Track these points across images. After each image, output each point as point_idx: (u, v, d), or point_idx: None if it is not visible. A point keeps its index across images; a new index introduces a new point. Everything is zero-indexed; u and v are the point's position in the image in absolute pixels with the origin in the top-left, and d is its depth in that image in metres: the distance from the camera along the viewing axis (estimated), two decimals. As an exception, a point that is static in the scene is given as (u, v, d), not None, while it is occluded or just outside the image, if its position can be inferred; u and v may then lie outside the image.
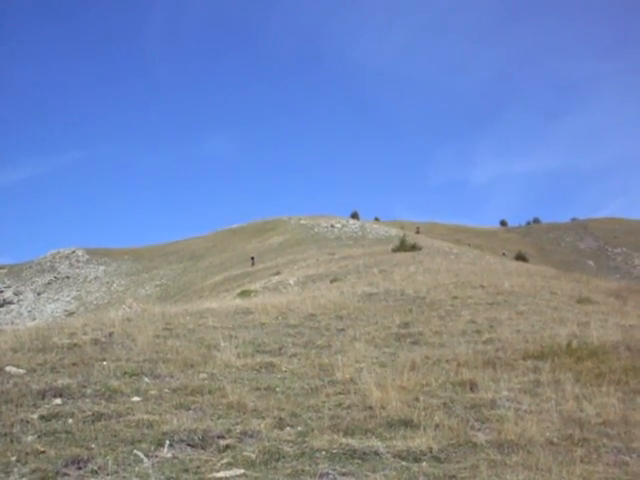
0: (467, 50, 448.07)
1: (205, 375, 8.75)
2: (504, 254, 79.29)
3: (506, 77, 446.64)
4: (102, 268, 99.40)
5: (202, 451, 5.79)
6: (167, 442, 5.87)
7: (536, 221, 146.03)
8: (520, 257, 73.72)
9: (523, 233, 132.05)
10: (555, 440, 6.46)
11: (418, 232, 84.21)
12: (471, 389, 8.37)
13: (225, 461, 5.52)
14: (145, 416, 6.61)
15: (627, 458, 6.07)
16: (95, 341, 10.99)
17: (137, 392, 7.67)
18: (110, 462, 5.30)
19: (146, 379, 8.38)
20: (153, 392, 7.70)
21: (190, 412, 6.96)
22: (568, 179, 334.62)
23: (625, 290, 25.65)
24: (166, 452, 5.67)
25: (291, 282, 34.41)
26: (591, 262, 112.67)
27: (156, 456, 5.56)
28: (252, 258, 63.83)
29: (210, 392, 7.76)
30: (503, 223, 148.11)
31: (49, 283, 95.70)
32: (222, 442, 5.98)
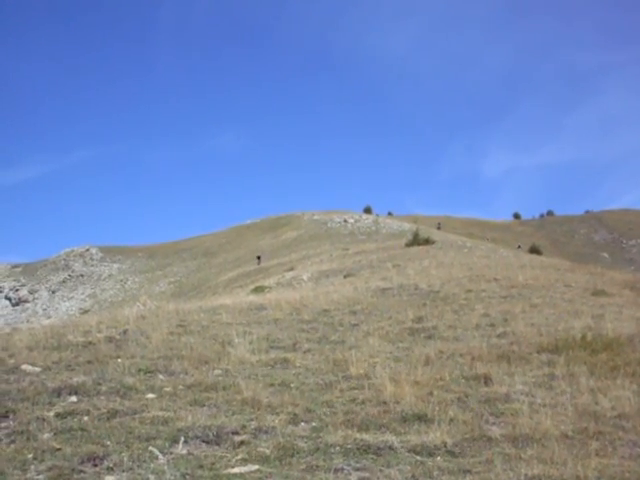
0: (478, 43, 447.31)
1: (219, 371, 8.77)
2: (519, 247, 79.09)
3: (517, 69, 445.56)
4: (116, 266, 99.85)
5: (217, 447, 5.80)
6: (182, 439, 5.88)
7: (550, 214, 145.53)
8: (534, 250, 73.48)
9: (537, 226, 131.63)
10: (570, 433, 6.43)
11: (439, 228, 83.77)
12: (485, 383, 8.36)
13: (240, 457, 5.53)
14: (160, 413, 6.63)
15: (643, 451, 6.05)
16: (110, 339, 11.05)
17: (152, 389, 7.70)
18: (125, 459, 5.32)
19: (160, 376, 8.41)
20: (168, 389, 7.73)
21: (204, 408, 6.98)
22: (581, 171, 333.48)
23: (640, 282, 25.52)
24: (181, 449, 5.68)
25: (305, 278, 34.41)
26: (605, 254, 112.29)
27: (171, 453, 5.58)
28: (258, 257, 63.09)
29: (224, 388, 7.78)
30: (517, 216, 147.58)
31: (64, 281, 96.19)
32: (237, 438, 5.99)
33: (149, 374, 8.49)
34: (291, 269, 44.47)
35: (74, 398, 7.16)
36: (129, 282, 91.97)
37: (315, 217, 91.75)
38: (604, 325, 12.29)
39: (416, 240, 48.12)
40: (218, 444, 5.87)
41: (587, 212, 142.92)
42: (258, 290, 31.96)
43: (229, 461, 5.45)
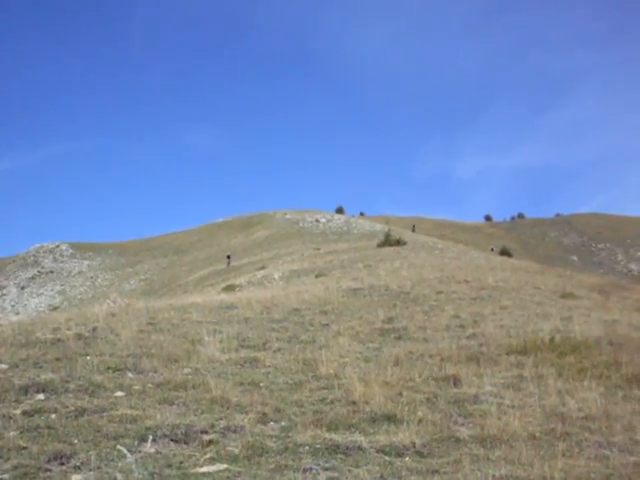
0: (454, 44, 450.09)
1: (189, 370, 8.74)
2: (492, 250, 79.52)
3: (492, 71, 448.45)
4: (86, 262, 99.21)
5: (185, 446, 5.77)
6: (150, 437, 5.85)
7: (520, 216, 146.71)
8: (504, 252, 74.02)
9: (508, 228, 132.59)
10: (537, 434, 6.49)
11: (414, 230, 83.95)
12: (454, 384, 8.40)
13: (208, 456, 5.51)
14: (128, 411, 6.58)
15: (608, 452, 6.11)
16: (79, 336, 10.97)
17: (120, 387, 7.64)
18: (93, 457, 5.28)
19: (130, 374, 8.36)
20: (136, 387, 7.68)
21: (173, 407, 6.94)
22: (553, 174, 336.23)
23: (608, 285, 25.88)
24: (149, 447, 5.65)
25: (276, 277, 34.41)
26: (575, 257, 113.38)
27: (139, 451, 5.55)
28: (228, 257, 62.57)
29: (194, 387, 7.74)
30: (488, 218, 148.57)
31: (33, 277, 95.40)
32: (205, 437, 5.97)
33: (118, 372, 8.43)
34: (262, 268, 44.42)
35: (41, 396, 7.10)
36: (99, 279, 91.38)
37: (287, 216, 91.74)
38: (572, 327, 12.43)
39: (388, 241, 48.26)
40: (187, 443, 5.85)
41: (557, 215, 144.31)
42: (229, 289, 31.90)
43: (197, 460, 5.43)
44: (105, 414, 6.51)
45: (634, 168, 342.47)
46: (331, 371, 8.78)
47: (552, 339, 10.92)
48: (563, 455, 5.86)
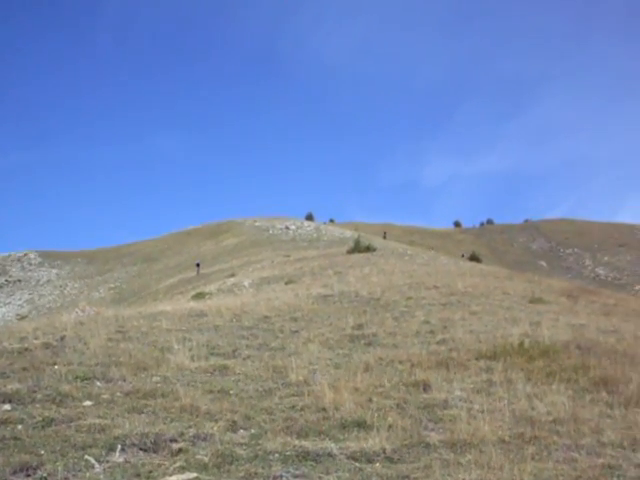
0: (423, 50, 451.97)
1: (158, 378, 8.68)
2: (463, 255, 79.93)
3: (460, 77, 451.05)
4: (55, 271, 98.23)
5: (154, 455, 5.73)
6: (119, 446, 5.80)
7: (489, 222, 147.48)
8: (474, 258, 74.42)
9: (477, 234, 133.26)
10: (507, 438, 6.53)
11: (385, 237, 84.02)
12: (424, 389, 8.43)
13: (177, 465, 5.47)
14: (97, 420, 6.52)
15: (576, 455, 6.16)
16: (46, 345, 10.85)
17: (89, 396, 7.57)
18: (60, 468, 5.22)
19: (98, 383, 8.29)
20: (105, 396, 7.61)
21: (142, 416, 6.88)
22: (521, 179, 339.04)
23: (576, 290, 26.10)
24: (118, 457, 5.60)
25: (246, 284, 34.31)
26: (543, 262, 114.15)
27: (107, 461, 5.49)
28: (197, 265, 62.10)
29: (163, 395, 7.69)
30: (457, 224, 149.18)
31: (0, 287, 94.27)
32: (174, 446, 5.93)
33: (86, 381, 8.35)
34: (232, 275, 44.27)
35: (7, 406, 7.00)
36: (68, 288, 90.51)
37: (257, 223, 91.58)
38: (541, 332, 12.53)
39: (357, 247, 48.33)
40: (156, 452, 5.80)
41: (526, 221, 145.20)
42: (199, 296, 31.77)
43: (167, 469, 5.38)
44: (73, 424, 6.44)
45: (600, 173, 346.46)
46: (301, 378, 8.78)
47: (521, 344, 11.00)
48: (532, 458, 5.90)
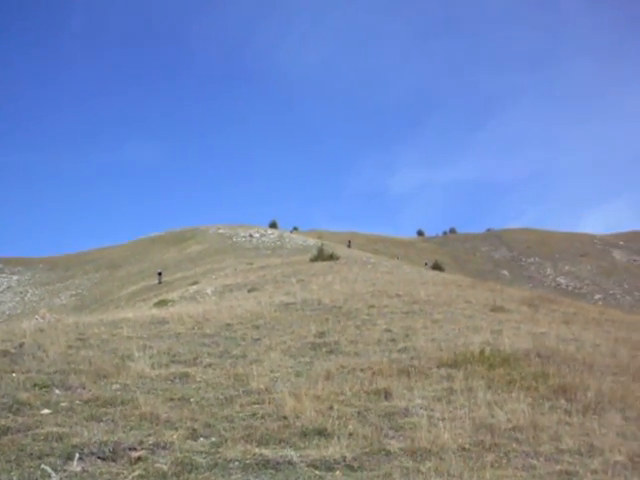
0: (390, 61, 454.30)
1: (118, 386, 8.61)
2: (426, 264, 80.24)
3: (428, 89, 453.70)
4: (15, 277, 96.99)
5: (113, 464, 5.68)
6: (77, 455, 5.74)
7: (452, 231, 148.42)
8: (437, 267, 74.82)
9: (440, 243, 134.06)
10: (467, 446, 6.57)
11: (349, 246, 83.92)
12: (385, 397, 8.46)
13: (136, 473, 5.43)
14: (54, 429, 6.44)
15: (535, 462, 6.24)
16: (4, 353, 10.71)
17: (47, 404, 7.49)
18: (15, 478, 5.15)
19: (57, 391, 8.20)
20: (64, 404, 7.54)
21: (101, 424, 6.82)
22: (485, 189, 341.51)
23: (537, 299, 26.32)
24: (75, 466, 5.54)
25: (209, 292, 34.13)
26: (505, 272, 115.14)
27: (65, 470, 5.43)
28: (159, 274, 61.36)
29: (123, 403, 7.64)
30: (420, 233, 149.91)
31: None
32: (134, 454, 5.88)
33: (45, 389, 8.25)
34: (195, 283, 44.04)
35: (-38, 415, 6.91)
36: (29, 294, 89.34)
37: (220, 231, 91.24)
38: (502, 340, 12.62)
39: (321, 255, 48.34)
40: (114, 460, 5.75)
41: (488, 230, 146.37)
42: (161, 304, 31.54)
43: (125, 478, 5.35)
44: (30, 432, 6.36)
45: (562, 184, 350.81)
46: (262, 386, 8.75)
47: (482, 352, 11.08)
48: (492, 466, 5.96)
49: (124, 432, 6.52)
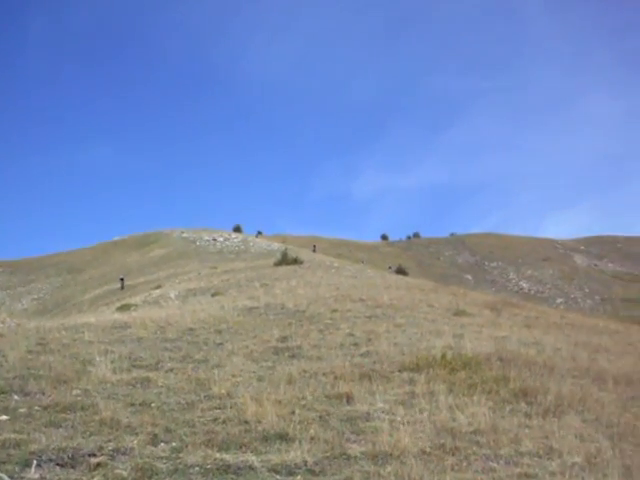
0: (354, 64, 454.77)
1: (78, 391, 8.52)
2: (390, 268, 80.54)
3: (392, 93, 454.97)
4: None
5: (72, 470, 5.63)
6: (34, 462, 5.68)
7: (416, 235, 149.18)
8: (400, 271, 75.15)
9: (404, 247, 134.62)
10: (428, 450, 6.61)
11: (314, 250, 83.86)
12: (347, 402, 8.47)
13: (96, 480, 5.40)
14: (12, 435, 6.36)
15: (495, 464, 6.29)
16: (-38, 359, 10.57)
17: (5, 411, 7.39)
18: (-29, 486, 5.10)
19: (15, 396, 8.10)
20: (22, 410, 7.45)
21: (61, 430, 6.75)
22: (449, 193, 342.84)
23: (499, 303, 26.55)
24: (33, 473, 5.48)
25: (172, 296, 33.97)
26: (469, 276, 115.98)
27: (22, 477, 5.37)
28: (121, 279, 60.66)
29: (82, 409, 7.57)
30: (384, 237, 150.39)
31: None
32: (93, 460, 5.83)
33: (3, 395, 8.14)
34: (158, 287, 43.81)
35: None
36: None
37: (184, 235, 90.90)
38: (464, 344, 12.70)
39: (284, 260, 48.33)
40: (73, 467, 5.70)
41: (452, 235, 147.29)
42: (124, 308, 31.32)
43: (84, 484, 5.30)
44: (-14, 439, 6.29)
45: (525, 189, 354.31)
46: (224, 390, 8.72)
47: (444, 356, 11.14)
48: (452, 469, 6.00)
49: (83, 438, 6.47)
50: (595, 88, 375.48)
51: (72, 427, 6.87)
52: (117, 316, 20.73)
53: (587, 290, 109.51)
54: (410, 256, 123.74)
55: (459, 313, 20.03)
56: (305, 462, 6.02)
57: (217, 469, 5.78)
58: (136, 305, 32.54)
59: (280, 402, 8.12)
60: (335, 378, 9.77)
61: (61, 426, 6.90)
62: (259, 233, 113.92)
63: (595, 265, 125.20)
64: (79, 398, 8.10)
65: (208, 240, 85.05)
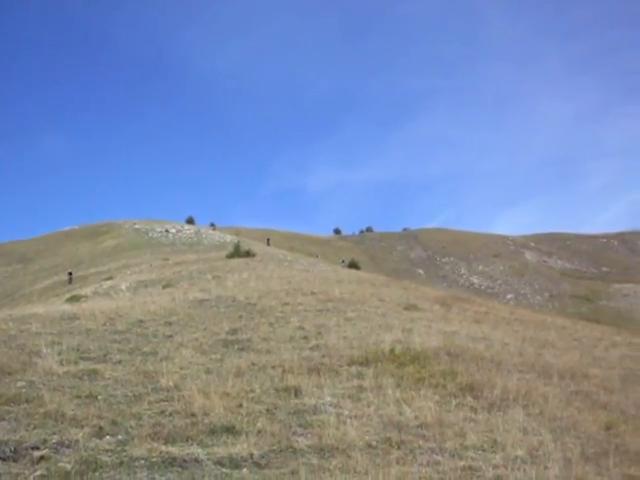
0: (309, 61, 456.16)
1: (23, 383, 8.40)
2: (343, 261, 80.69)
3: (346, 89, 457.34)
4: None
5: (14, 464, 5.55)
6: (-25, 455, 5.61)
7: (369, 230, 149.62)
8: (353, 265, 75.26)
9: (356, 241, 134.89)
10: (374, 443, 6.66)
11: (269, 243, 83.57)
12: (295, 395, 8.49)
13: (38, 473, 5.33)
14: (-47, 429, 6.28)
15: (440, 458, 6.37)
16: None
17: (-55, 403, 7.29)
18: None
19: (-43, 389, 7.98)
20: (-37, 403, 7.34)
21: (4, 423, 6.65)
22: (401, 189, 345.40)
23: (450, 298, 26.85)
24: (-27, 466, 5.41)
25: (123, 287, 33.68)
26: (421, 271, 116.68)
27: (-38, 471, 5.30)
28: (69, 274, 59.48)
29: (27, 401, 7.46)
30: (337, 231, 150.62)
31: None
32: (36, 453, 5.76)
33: (-56, 387, 8.03)
34: (109, 278, 43.35)
35: None
36: None
37: (136, 226, 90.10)
38: (413, 339, 12.82)
39: (237, 252, 48.17)
40: (16, 460, 5.63)
41: (405, 230, 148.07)
42: (73, 299, 30.95)
43: (26, 478, 5.24)
44: None
45: (476, 186, 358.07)
46: (171, 383, 8.68)
47: (392, 350, 11.22)
48: (397, 462, 6.05)
49: (27, 431, 6.39)
50: (548, 87, 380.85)
51: (15, 420, 6.78)
52: (66, 307, 20.49)
53: (536, 286, 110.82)
54: (363, 250, 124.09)
55: (410, 308, 20.19)
56: (251, 455, 6.02)
57: (163, 462, 5.76)
58: (86, 296, 32.19)
59: (228, 395, 8.11)
60: (284, 371, 9.78)
61: (4, 419, 6.80)
62: (212, 225, 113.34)
63: (544, 262, 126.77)
64: (24, 390, 7.98)
65: (160, 232, 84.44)
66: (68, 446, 6.04)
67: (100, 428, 6.63)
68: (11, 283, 75.90)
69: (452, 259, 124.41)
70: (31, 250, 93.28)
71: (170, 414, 7.31)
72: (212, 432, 6.73)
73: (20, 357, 10.06)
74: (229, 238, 77.68)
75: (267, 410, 7.70)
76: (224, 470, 5.69)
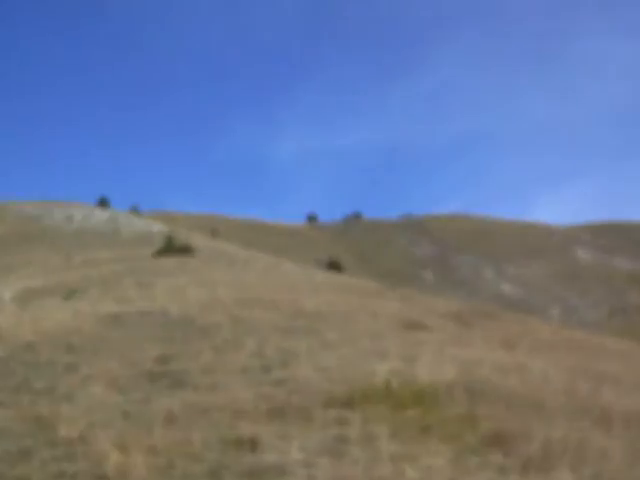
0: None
1: None
2: (319, 261, 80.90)
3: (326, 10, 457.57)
4: None
5: None
6: None
7: (357, 216, 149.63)
8: (333, 266, 75.44)
9: (338, 232, 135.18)
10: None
11: (215, 235, 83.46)
12: (251, 449, 8.46)
13: None
14: None
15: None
16: None
17: None
18: None
19: None
20: None
21: None
22: (400, 161, 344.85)
23: (469, 312, 26.87)
24: None
25: (6, 298, 33.58)
26: (429, 274, 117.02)
27: None
28: None
29: None
30: (312, 218, 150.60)
31: None
32: None
33: None
34: (-15, 285, 43.26)
35: None
36: None
37: (26, 209, 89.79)
38: (417, 370, 12.79)
39: (169, 248, 48.11)
40: None
41: (406, 217, 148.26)
42: None
43: None
44: None
45: (509, 154, 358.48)
46: (75, 433, 8.65)
47: (388, 386, 11.20)
48: None
49: None
50: (611, 23, 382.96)
51: None
52: None
53: (592, 297, 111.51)
54: (347, 245, 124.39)
55: (412, 326, 20.19)
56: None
57: None
58: (-46, 310, 32.08)
59: (154, 450, 8.07)
60: (235, 416, 9.75)
61: None
62: (134, 209, 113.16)
63: (604, 262, 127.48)
64: None
65: (61, 218, 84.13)
66: None
67: (-29, 499, 6.60)
68: None
69: (473, 258, 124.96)
70: None
71: (72, 477, 7.27)
72: (131, 503, 6.72)
73: None
74: (158, 228, 77.56)
75: (210, 471, 7.67)
76: None
